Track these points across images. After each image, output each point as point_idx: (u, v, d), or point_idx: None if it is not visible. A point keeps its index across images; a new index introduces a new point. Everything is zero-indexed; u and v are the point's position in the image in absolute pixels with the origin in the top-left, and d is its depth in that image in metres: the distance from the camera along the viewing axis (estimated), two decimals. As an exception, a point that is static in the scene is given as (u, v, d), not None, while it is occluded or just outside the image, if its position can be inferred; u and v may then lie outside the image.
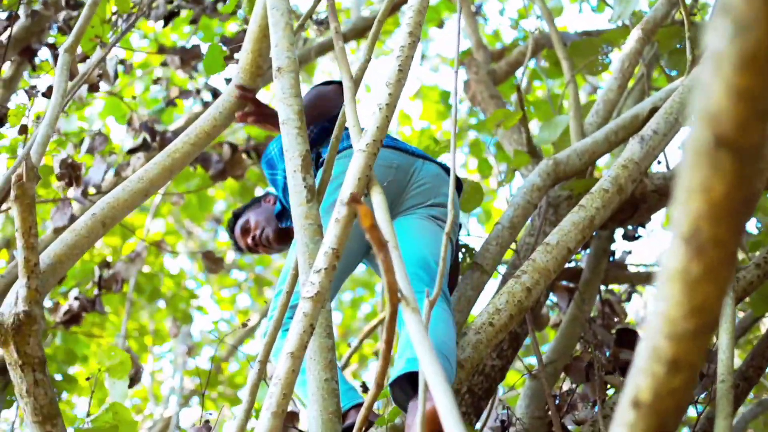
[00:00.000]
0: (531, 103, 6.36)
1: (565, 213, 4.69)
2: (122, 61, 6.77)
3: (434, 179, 3.97)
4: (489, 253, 3.98)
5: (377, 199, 2.78)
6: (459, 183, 4.20)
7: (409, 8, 3.17)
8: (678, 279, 1.21)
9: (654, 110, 4.53)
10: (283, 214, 4.55)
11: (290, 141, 3.20)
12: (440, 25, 9.90)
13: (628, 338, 4.68)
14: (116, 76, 5.62)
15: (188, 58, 6.72)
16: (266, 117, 3.99)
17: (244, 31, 6.70)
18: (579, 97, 5.23)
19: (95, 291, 6.46)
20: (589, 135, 4.72)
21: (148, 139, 6.23)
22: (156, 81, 7.55)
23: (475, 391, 4.17)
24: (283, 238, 4.60)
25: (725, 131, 1.11)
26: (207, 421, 4.07)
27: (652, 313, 1.25)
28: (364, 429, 2.92)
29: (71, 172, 5.27)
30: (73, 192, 5.39)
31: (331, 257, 2.66)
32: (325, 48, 7.82)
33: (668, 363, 1.23)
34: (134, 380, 5.46)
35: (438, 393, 1.94)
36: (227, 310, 13.29)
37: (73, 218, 5.46)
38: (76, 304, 6.29)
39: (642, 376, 1.25)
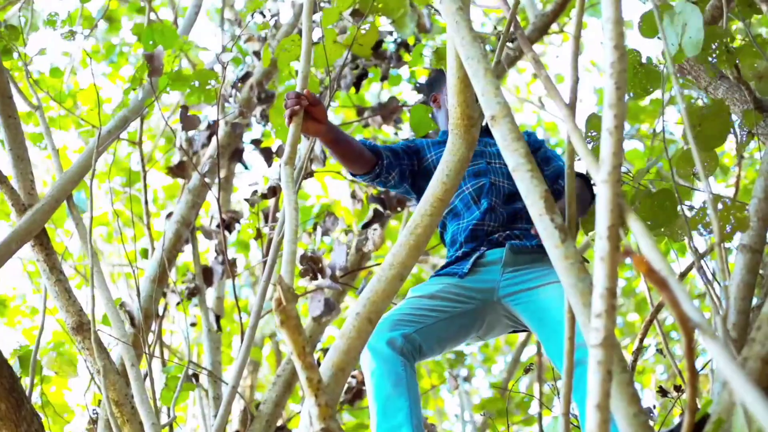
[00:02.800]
0: (737, 52, 6.09)
1: (814, 161, 4.47)
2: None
3: None
4: (752, 231, 3.80)
5: (636, 227, 2.69)
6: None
7: (607, 21, 3.06)
8: None
9: None
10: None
11: (527, 186, 3.12)
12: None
13: None
14: (326, 157, 5.67)
15: (388, 113, 6.74)
16: None
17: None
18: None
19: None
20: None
21: (380, 209, 6.26)
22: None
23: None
24: None
25: None
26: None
27: None
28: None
29: (313, 266, 5.34)
30: (321, 281, 5.46)
31: (608, 298, 2.58)
32: (513, 60, 7.74)
33: None
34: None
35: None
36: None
37: (327, 303, 5.53)
38: (353, 381, 6.38)
39: None
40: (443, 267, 4.54)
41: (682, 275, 6.58)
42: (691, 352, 2.38)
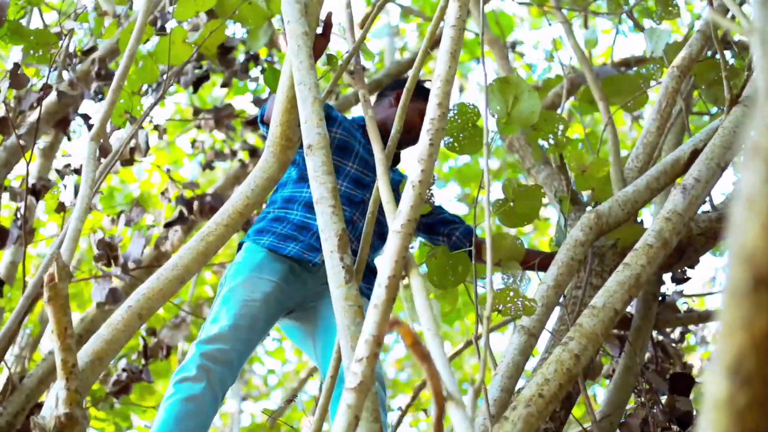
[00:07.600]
0: (570, 143, 6.24)
1: (610, 262, 4.59)
2: (156, 127, 6.78)
3: None
4: (535, 315, 3.88)
5: (416, 282, 2.73)
6: None
7: (437, 78, 3.11)
8: (725, 409, 1.16)
9: (695, 153, 4.43)
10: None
11: (325, 220, 3.13)
12: (479, 59, 9.80)
13: (682, 384, 4.60)
14: (148, 148, 5.60)
15: (221, 117, 6.71)
16: None
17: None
18: (618, 141, 5.13)
19: (142, 361, 6.44)
20: (630, 181, 4.64)
21: (185, 212, 6.21)
22: (194, 143, 7.56)
23: (529, 458, 4.07)
24: None
25: (763, 272, 1.06)
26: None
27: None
28: None
29: (108, 252, 5.27)
30: (113, 270, 5.39)
31: (372, 345, 2.60)
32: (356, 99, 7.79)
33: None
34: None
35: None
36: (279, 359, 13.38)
37: (114, 292, 5.45)
38: (124, 375, 6.29)
39: None
40: (283, 235, 4.21)
41: (455, 354, 6.67)
42: (439, 424, 2.41)
